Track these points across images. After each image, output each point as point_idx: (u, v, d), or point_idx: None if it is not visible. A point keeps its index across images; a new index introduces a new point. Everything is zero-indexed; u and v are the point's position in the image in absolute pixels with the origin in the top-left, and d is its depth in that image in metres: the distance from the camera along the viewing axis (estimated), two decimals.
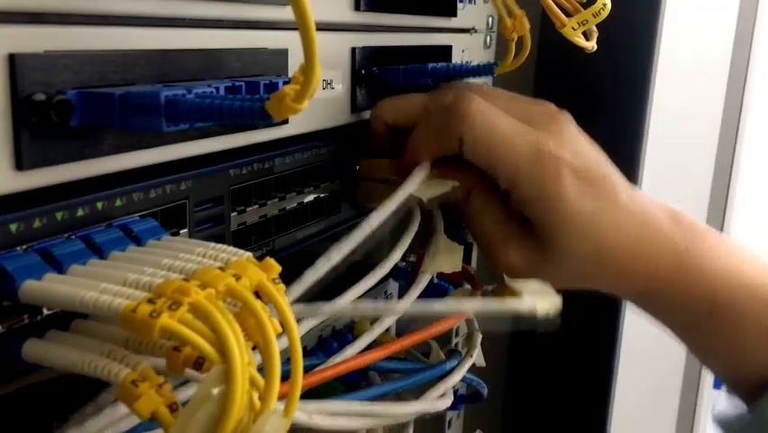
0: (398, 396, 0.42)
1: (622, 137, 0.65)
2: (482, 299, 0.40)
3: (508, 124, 0.40)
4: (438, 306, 0.38)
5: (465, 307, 0.40)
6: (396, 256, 0.39)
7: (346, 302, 0.35)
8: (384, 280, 0.46)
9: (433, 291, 0.43)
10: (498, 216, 0.42)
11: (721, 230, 0.99)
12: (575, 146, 0.41)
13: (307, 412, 0.33)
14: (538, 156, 0.39)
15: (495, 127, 0.39)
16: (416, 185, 0.38)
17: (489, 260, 0.43)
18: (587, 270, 0.41)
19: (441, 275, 0.44)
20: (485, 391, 0.49)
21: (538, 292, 0.38)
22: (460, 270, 0.43)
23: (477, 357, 0.45)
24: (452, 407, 0.45)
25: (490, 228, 0.42)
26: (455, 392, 0.45)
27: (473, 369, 0.45)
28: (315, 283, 0.33)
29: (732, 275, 0.42)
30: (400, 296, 0.49)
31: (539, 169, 0.39)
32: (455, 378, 0.43)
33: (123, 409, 0.26)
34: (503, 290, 0.44)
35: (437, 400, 0.42)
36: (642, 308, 0.45)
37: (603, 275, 0.42)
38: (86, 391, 0.27)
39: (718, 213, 0.99)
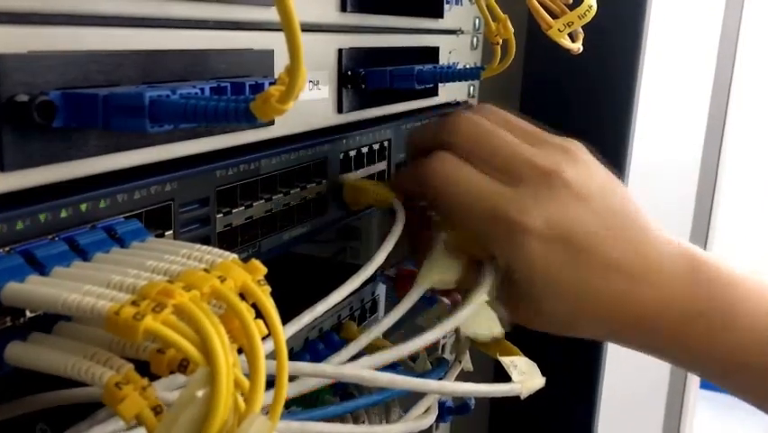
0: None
1: (609, 137, 0.65)
2: (471, 384, 0.38)
3: (471, 186, 0.39)
4: (423, 384, 0.37)
5: (454, 388, 0.38)
6: (379, 259, 0.38)
7: (329, 305, 0.35)
8: (371, 281, 0.45)
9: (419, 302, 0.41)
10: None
11: (707, 230, 1.00)
12: (554, 209, 0.38)
13: None
14: (494, 222, 0.38)
15: (456, 191, 0.39)
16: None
17: None
18: (568, 320, 0.41)
19: None
20: (472, 403, 0.48)
21: (526, 372, 0.38)
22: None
23: (465, 362, 0.45)
24: (439, 419, 0.43)
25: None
26: (442, 404, 0.44)
27: (461, 374, 0.44)
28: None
29: (756, 335, 0.39)
30: (388, 297, 0.49)
31: (496, 234, 0.38)
32: (442, 391, 0.42)
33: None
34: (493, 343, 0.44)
35: (422, 418, 0.40)
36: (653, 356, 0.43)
37: (587, 329, 0.41)
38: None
39: (704, 209, 1.00)
